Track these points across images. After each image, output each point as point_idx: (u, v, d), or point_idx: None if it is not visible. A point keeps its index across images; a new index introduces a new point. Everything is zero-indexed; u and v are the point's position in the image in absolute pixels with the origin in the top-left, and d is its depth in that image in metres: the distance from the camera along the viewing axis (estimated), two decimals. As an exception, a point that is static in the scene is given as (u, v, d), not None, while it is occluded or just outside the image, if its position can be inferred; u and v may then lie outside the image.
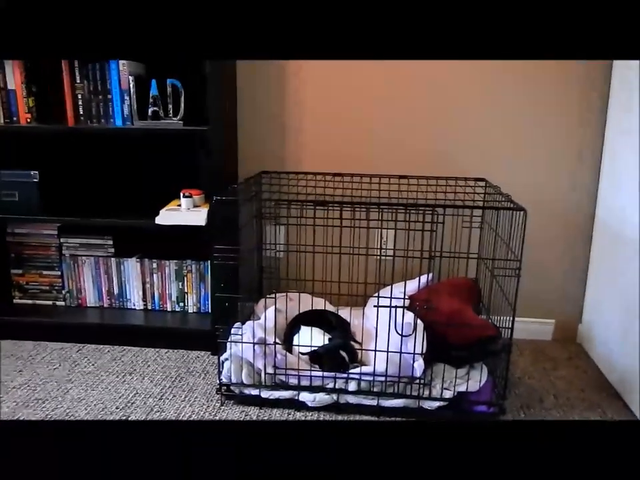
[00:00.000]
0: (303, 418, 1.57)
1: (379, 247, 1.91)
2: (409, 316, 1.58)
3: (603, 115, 1.94)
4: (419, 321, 1.57)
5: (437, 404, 1.56)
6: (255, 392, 1.61)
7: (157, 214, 1.83)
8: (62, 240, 2.04)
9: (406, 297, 1.62)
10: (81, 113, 1.88)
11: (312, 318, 1.73)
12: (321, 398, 1.58)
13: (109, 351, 1.95)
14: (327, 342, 1.65)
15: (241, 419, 1.56)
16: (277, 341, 1.62)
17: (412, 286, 1.76)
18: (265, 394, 1.60)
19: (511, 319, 1.50)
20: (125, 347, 1.98)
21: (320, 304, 1.84)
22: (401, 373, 1.55)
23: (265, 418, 1.57)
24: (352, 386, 1.58)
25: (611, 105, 1.91)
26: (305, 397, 1.58)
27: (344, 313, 1.89)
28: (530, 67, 1.94)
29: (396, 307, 1.55)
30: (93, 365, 1.85)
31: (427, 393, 1.57)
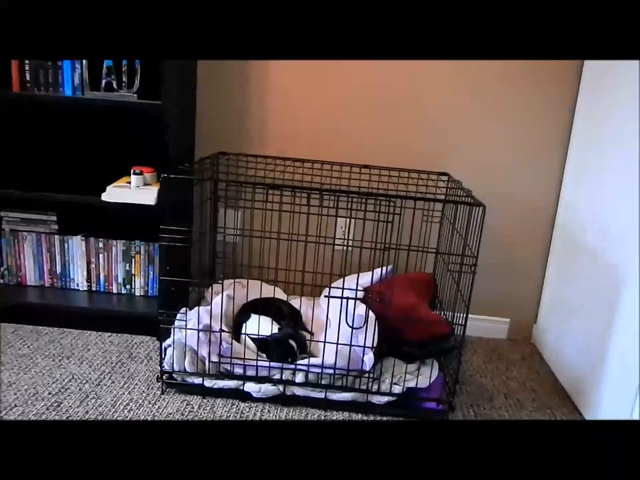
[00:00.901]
0: (248, 409, 1.54)
1: (334, 236, 1.88)
2: (361, 308, 1.56)
3: (570, 116, 1.95)
4: (370, 314, 1.55)
5: (385, 399, 1.55)
6: (197, 380, 1.57)
7: (105, 190, 1.77)
8: (2, 214, 1.95)
9: (360, 288, 1.61)
10: (28, 79, 1.78)
11: (261, 306, 1.70)
12: (267, 389, 1.55)
13: (47, 333, 1.88)
14: (276, 331, 1.63)
15: (182, 408, 1.52)
16: (224, 328, 1.58)
17: (366, 278, 1.74)
18: (209, 383, 1.56)
19: (465, 316, 1.49)
20: (65, 329, 1.91)
21: (271, 292, 1.81)
22: (350, 366, 1.53)
23: (208, 408, 1.53)
24: (299, 377, 1.56)
25: (578, 107, 1.92)
26: (250, 387, 1.56)
27: (295, 302, 1.87)
28: (497, 65, 1.93)
29: (347, 298, 1.54)
30: (28, 347, 1.78)
31: (375, 387, 1.56)
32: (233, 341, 1.60)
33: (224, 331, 1.57)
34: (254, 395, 1.55)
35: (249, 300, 1.73)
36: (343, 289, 1.53)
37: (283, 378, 1.56)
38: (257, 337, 1.60)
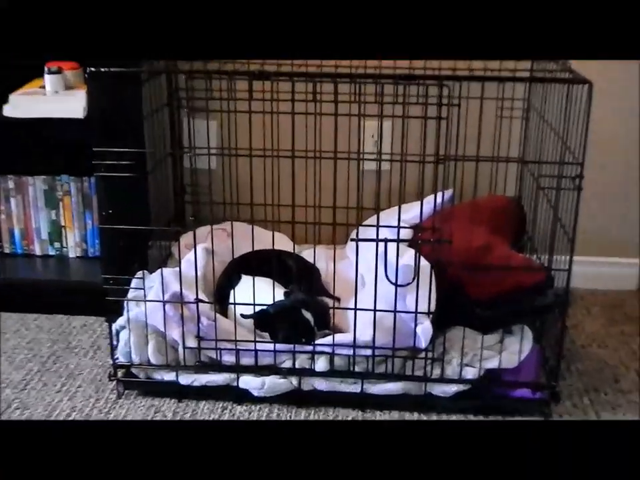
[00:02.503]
0: (247, 413, 1.58)
1: (359, 148, 1.82)
2: (408, 255, 1.57)
3: None
4: (423, 262, 1.56)
5: (453, 388, 1.59)
6: (169, 376, 1.62)
7: (7, 101, 1.80)
8: None
9: (405, 225, 1.63)
10: None
11: (257, 262, 1.74)
12: (273, 383, 1.59)
13: (-55, 319, 1.96)
14: (281, 298, 1.66)
15: (150, 416, 1.57)
16: (203, 297, 1.61)
17: (414, 210, 1.75)
18: (186, 379, 1.61)
19: (569, 258, 1.51)
20: (-30, 312, 2.00)
21: (269, 240, 1.80)
22: (397, 342, 1.57)
23: (187, 415, 1.58)
24: (321, 364, 1.59)
25: None
26: (247, 381, 1.60)
27: (308, 253, 1.90)
28: None
29: (386, 240, 1.52)
30: None
31: (437, 372, 1.60)
32: (218, 315, 1.64)
33: (202, 301, 1.59)
34: (254, 392, 1.60)
35: (237, 254, 1.72)
36: (378, 227, 1.53)
37: (297, 366, 1.61)
38: (252, 308, 1.61)
